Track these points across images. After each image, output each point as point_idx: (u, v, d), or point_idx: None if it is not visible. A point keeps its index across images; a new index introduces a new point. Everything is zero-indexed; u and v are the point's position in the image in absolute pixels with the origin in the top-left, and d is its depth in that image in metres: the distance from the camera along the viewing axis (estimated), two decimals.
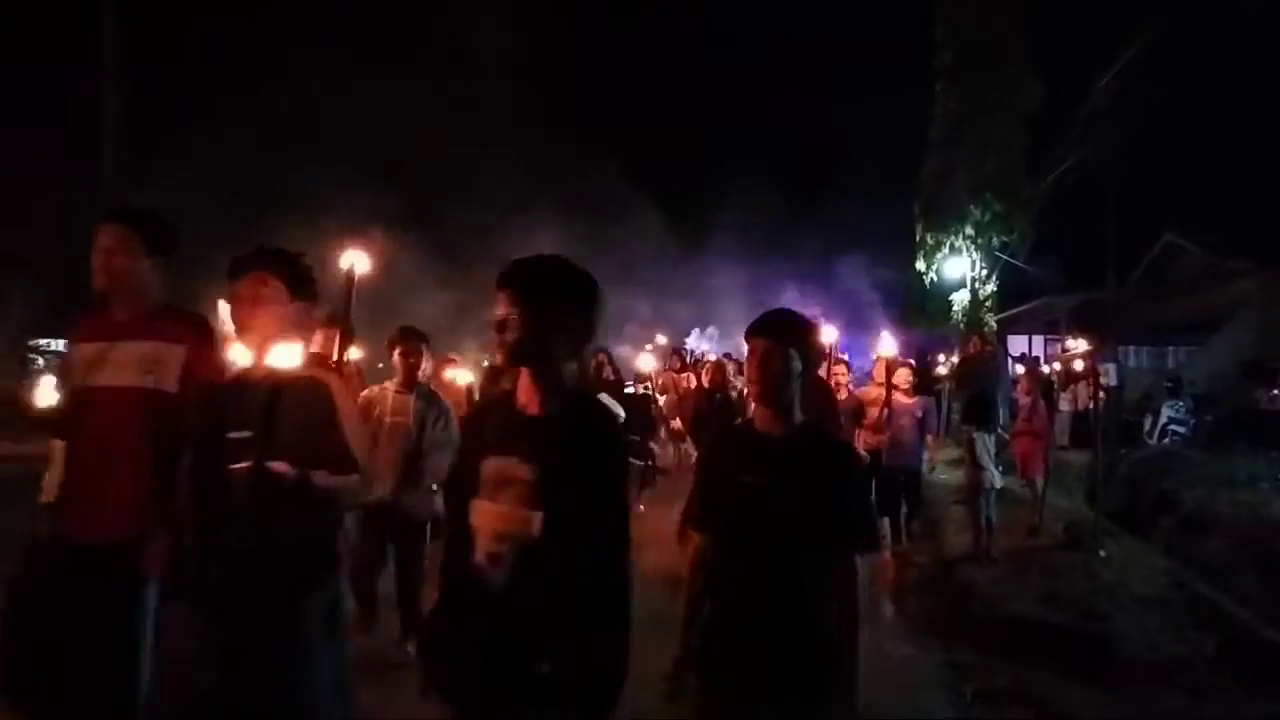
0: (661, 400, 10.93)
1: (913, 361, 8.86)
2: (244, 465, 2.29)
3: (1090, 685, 4.80)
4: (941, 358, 16.35)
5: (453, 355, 7.95)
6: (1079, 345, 14.74)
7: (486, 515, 2.02)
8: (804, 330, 2.42)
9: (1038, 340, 24.69)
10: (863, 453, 7.22)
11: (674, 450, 11.22)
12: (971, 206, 16.55)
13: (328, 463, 2.43)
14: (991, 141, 15.98)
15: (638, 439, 7.76)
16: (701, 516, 2.46)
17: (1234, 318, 18.73)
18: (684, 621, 2.42)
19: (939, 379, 14.67)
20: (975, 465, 7.66)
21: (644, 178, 20.41)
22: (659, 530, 5.12)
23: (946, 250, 17.26)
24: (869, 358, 10.81)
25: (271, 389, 2.30)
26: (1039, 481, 8.56)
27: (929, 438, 7.98)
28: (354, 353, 4.95)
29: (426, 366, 4.98)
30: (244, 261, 2.58)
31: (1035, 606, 6.24)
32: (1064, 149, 15.72)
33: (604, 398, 6.39)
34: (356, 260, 3.28)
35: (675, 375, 12.10)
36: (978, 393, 8.37)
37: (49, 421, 2.97)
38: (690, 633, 2.40)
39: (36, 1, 15.26)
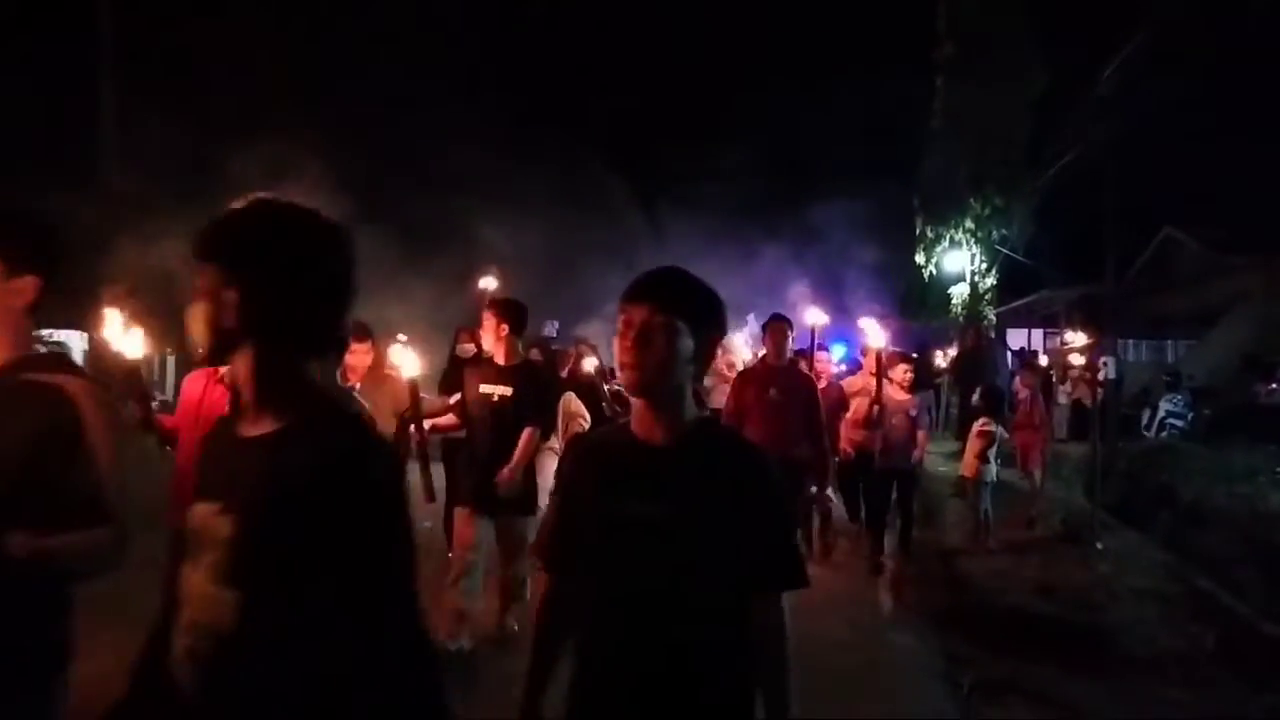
0: None
1: (914, 355, 8.48)
2: None
3: (1088, 677, 4.81)
4: (940, 352, 16.37)
5: (400, 335, 5.57)
6: (1078, 339, 14.78)
7: (189, 588, 1.39)
8: (701, 297, 1.75)
9: (1037, 334, 24.77)
10: (848, 450, 7.03)
11: None
12: (971, 200, 16.54)
13: (59, 510, 1.65)
14: (991, 135, 15.95)
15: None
16: (556, 552, 1.86)
17: (1233, 312, 18.76)
18: (526, 689, 1.83)
19: (939, 372, 14.68)
20: (983, 458, 7.62)
21: (629, 166, 20.19)
22: None
23: (946, 243, 17.26)
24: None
25: None
26: (1037, 474, 8.59)
27: (920, 434, 7.35)
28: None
29: (367, 361, 4.36)
30: None
31: (1033, 599, 6.27)
32: (1064, 143, 15.70)
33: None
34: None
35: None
36: (990, 386, 8.44)
37: None
38: (534, 701, 1.82)
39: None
